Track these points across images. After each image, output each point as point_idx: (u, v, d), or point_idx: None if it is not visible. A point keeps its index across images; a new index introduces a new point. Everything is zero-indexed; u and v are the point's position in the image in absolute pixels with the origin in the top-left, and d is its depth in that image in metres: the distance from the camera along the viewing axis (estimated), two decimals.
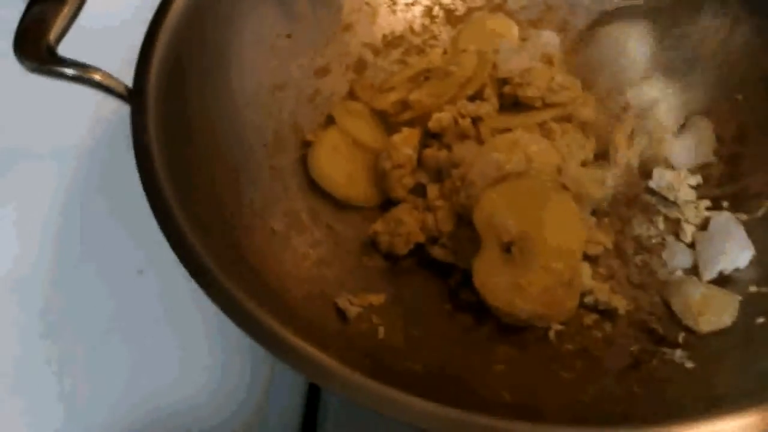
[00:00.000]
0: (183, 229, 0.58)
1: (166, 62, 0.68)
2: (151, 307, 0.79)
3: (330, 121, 0.81)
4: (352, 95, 0.84)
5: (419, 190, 0.76)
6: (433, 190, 0.74)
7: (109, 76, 0.66)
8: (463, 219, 0.71)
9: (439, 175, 0.76)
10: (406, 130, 0.76)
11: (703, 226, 0.75)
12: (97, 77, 0.66)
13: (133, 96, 0.65)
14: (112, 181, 0.86)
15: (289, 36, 0.82)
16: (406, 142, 0.75)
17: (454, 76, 0.78)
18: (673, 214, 0.77)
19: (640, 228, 0.77)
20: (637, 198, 0.79)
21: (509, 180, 0.69)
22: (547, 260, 0.67)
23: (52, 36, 0.67)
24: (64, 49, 0.67)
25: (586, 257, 0.74)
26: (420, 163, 0.77)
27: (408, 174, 0.75)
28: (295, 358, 0.53)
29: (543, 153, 0.71)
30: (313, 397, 0.74)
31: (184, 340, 0.76)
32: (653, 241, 0.76)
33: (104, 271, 0.81)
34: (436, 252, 0.73)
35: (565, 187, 0.70)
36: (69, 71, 0.65)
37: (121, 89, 0.66)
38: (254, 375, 0.74)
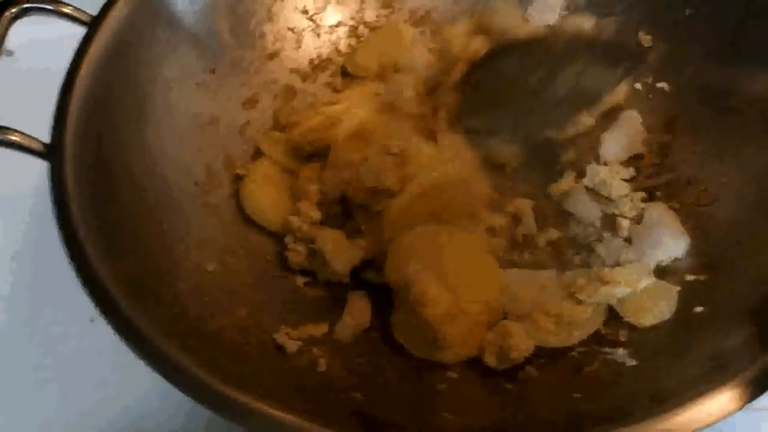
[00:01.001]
0: (107, 286, 0.58)
1: (86, 113, 0.68)
2: (103, 355, 0.78)
3: (259, 152, 0.80)
4: (276, 124, 0.83)
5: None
6: (359, 214, 0.74)
7: (26, 135, 0.66)
8: None
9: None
10: (309, 167, 0.77)
11: (639, 219, 0.76)
12: (13, 138, 0.65)
13: (51, 152, 0.64)
14: None
15: (213, 71, 0.81)
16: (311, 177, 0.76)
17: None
18: (609, 209, 0.77)
19: (577, 228, 0.77)
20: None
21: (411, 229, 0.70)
22: (462, 305, 0.67)
23: None
24: None
25: None
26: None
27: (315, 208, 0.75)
28: (236, 414, 0.54)
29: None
30: None
31: (135, 387, 0.75)
32: (591, 239, 0.76)
33: (56, 319, 0.81)
34: (370, 275, 0.73)
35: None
36: None
37: (39, 147, 0.65)
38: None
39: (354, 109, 0.77)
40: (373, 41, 0.89)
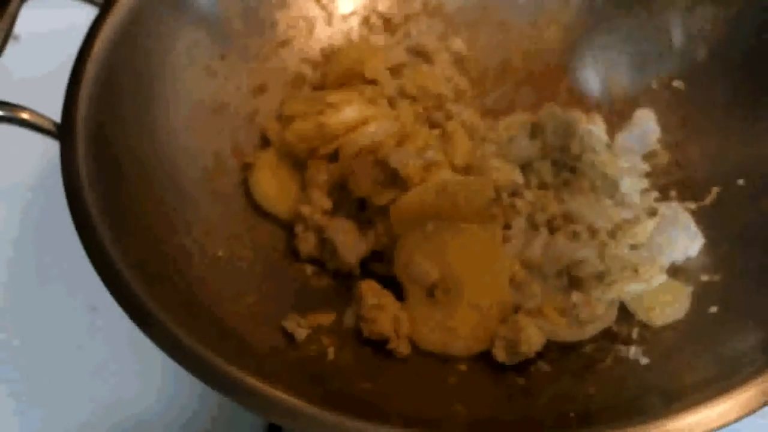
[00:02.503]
0: (119, 267, 0.57)
1: (96, 94, 0.67)
2: (104, 344, 0.77)
3: (267, 140, 0.80)
4: (281, 115, 0.81)
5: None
6: (372, 205, 0.72)
7: (36, 113, 0.65)
8: None
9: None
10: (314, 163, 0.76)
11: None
12: (24, 116, 0.65)
13: (62, 132, 0.64)
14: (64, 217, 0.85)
15: (223, 57, 0.80)
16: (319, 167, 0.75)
17: None
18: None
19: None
20: None
21: (421, 225, 0.69)
22: (471, 298, 0.67)
23: None
24: None
25: None
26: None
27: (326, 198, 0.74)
28: (244, 396, 0.53)
29: None
30: None
31: (138, 375, 0.75)
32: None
33: (57, 307, 0.80)
34: (378, 267, 0.72)
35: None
36: None
37: (49, 126, 0.65)
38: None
39: (353, 114, 0.76)
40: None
